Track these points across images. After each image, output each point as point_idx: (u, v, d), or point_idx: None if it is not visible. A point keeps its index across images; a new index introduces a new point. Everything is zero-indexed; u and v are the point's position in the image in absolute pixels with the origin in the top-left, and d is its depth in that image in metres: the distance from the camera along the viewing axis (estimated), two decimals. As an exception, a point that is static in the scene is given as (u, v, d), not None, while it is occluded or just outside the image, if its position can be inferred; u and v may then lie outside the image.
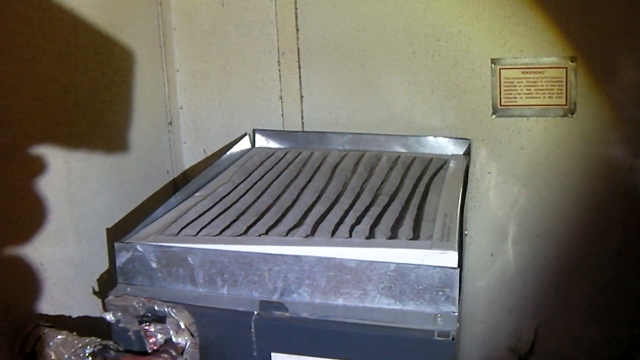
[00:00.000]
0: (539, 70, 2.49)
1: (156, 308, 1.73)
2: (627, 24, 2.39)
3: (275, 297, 1.73)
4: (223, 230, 1.89)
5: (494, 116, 2.56)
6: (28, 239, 1.92)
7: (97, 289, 2.19)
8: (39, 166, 1.95)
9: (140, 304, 1.74)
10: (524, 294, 2.72)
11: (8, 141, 1.85)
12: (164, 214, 2.03)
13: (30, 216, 1.94)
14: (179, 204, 2.11)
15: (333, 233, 1.84)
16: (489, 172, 2.61)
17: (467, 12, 2.50)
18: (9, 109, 1.86)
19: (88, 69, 2.22)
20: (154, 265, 1.80)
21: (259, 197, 2.13)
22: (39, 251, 1.96)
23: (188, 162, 2.86)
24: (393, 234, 1.82)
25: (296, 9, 2.63)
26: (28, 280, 1.92)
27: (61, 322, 1.99)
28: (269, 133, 2.68)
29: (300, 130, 2.73)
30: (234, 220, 1.95)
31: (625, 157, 2.48)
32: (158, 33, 2.65)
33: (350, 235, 1.82)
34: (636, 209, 2.49)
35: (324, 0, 2.60)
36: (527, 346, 2.76)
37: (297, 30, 2.65)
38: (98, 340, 1.75)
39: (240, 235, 1.86)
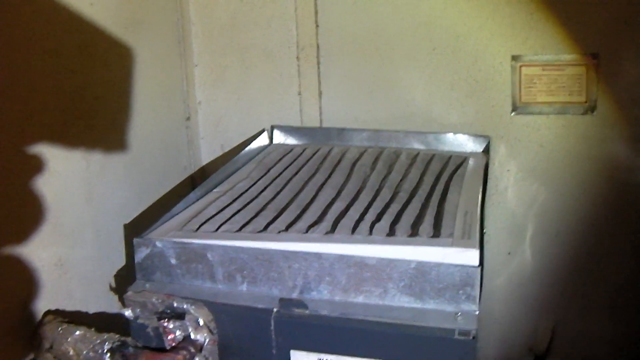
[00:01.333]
0: (560, 67, 2.47)
1: (175, 304, 1.72)
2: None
3: (295, 295, 1.73)
4: (242, 226, 1.88)
5: (513, 113, 2.54)
6: (46, 235, 1.91)
7: (114, 285, 2.19)
8: (58, 160, 1.95)
9: (159, 300, 1.73)
10: (542, 293, 2.71)
11: (28, 135, 1.85)
12: (183, 210, 2.03)
13: (48, 211, 1.93)
14: (198, 199, 2.10)
15: (353, 230, 1.83)
16: (508, 170, 2.60)
17: (488, 8, 2.48)
18: (29, 102, 1.86)
19: (107, 63, 2.21)
20: (173, 261, 1.79)
21: (278, 193, 2.12)
22: (57, 247, 1.96)
23: (206, 157, 2.86)
24: (414, 232, 1.81)
25: (316, 4, 2.62)
26: (46, 276, 1.92)
27: (79, 318, 2.00)
28: (287, 129, 2.68)
29: (319, 126, 2.72)
30: (254, 217, 1.94)
31: (645, 156, 2.47)
32: (177, 27, 2.64)
33: (371, 233, 1.81)
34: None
35: (344, -5, 2.60)
36: (544, 345, 2.74)
37: (317, 25, 2.64)
38: (116, 336, 1.75)
39: (260, 231, 1.85)
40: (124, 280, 2.14)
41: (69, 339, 1.74)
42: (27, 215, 1.86)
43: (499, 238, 2.67)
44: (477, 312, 1.64)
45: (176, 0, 2.63)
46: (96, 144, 2.14)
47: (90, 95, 2.12)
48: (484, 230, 2.25)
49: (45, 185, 1.91)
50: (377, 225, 1.84)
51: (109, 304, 2.14)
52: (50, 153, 1.92)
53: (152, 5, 2.46)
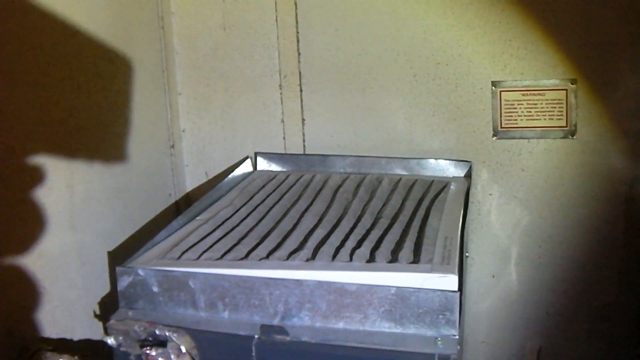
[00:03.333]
0: (540, 92, 2.51)
1: (157, 332, 1.73)
2: (626, 46, 2.40)
3: (276, 321, 1.73)
4: (224, 254, 1.89)
5: (494, 138, 2.57)
6: (31, 262, 1.92)
7: (98, 312, 2.19)
8: (41, 190, 1.96)
9: (142, 328, 1.74)
10: (527, 316, 2.72)
11: (12, 165, 1.87)
12: (165, 238, 2.04)
13: (33, 239, 1.94)
14: (181, 227, 2.12)
15: (334, 257, 1.84)
16: (490, 194, 2.62)
17: (467, 36, 2.52)
18: (12, 132, 1.87)
19: (91, 93, 2.23)
20: (155, 289, 1.80)
21: (260, 220, 2.13)
22: (42, 274, 1.97)
23: (190, 185, 2.87)
24: (393, 258, 1.83)
25: (298, 32, 2.65)
26: (31, 303, 1.93)
27: (63, 345, 2.00)
28: (270, 156, 2.69)
29: (302, 153, 2.74)
30: (235, 244, 1.95)
31: (625, 178, 2.50)
32: (160, 57, 2.66)
33: (351, 259, 1.82)
34: (636, 228, 2.50)
35: (325, 24, 2.62)
36: (530, 368, 2.76)
37: (299, 53, 2.67)
38: (99, 364, 1.76)
39: (242, 259, 1.86)
40: (108, 307, 2.15)
41: (53, 368, 1.75)
42: (12, 242, 1.87)
43: (483, 261, 2.69)
44: (456, 337, 1.65)
45: (159, 30, 2.65)
46: (80, 173, 2.15)
47: (74, 125, 2.13)
48: (466, 255, 2.27)
49: (29, 214, 1.92)
50: (357, 252, 1.85)
51: (93, 330, 2.15)
52: (34, 182, 1.93)
53: (135, 35, 2.48)
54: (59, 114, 2.07)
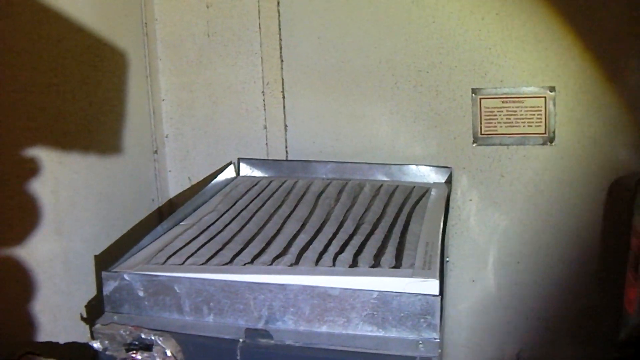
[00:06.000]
0: (519, 99, 2.54)
1: (143, 336, 1.74)
2: (604, 55, 2.44)
3: (260, 325, 1.76)
4: (209, 259, 1.91)
5: (474, 145, 2.60)
6: (17, 267, 1.94)
7: (85, 316, 2.20)
8: (27, 196, 1.98)
9: (127, 332, 1.76)
10: (506, 319, 2.75)
11: (-1, 171, 1.89)
12: (150, 243, 2.05)
13: (19, 244, 1.96)
14: (165, 232, 2.13)
15: (317, 262, 1.87)
16: (470, 200, 2.66)
17: (448, 44, 2.55)
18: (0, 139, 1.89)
19: (76, 99, 2.25)
20: (140, 293, 1.82)
21: (244, 226, 2.16)
22: (28, 278, 1.98)
23: (173, 190, 2.89)
24: (376, 263, 1.85)
25: (280, 40, 2.68)
26: (16, 308, 1.94)
27: (49, 349, 2.02)
28: (253, 162, 2.71)
29: (285, 159, 2.76)
30: (220, 249, 1.97)
31: (602, 184, 2.54)
32: (144, 63, 2.68)
33: (334, 264, 1.85)
34: (615, 233, 2.53)
35: (308, 32, 2.65)
36: (509, 371, 2.79)
37: (282, 60, 2.69)
38: (85, 368, 1.77)
39: (226, 264, 1.88)
40: (94, 311, 2.16)
41: (39, 372, 1.77)
42: (-3, 249, 1.89)
43: (463, 266, 2.72)
44: (438, 340, 1.68)
45: (143, 37, 2.66)
46: (66, 178, 2.16)
47: (60, 130, 2.15)
48: (447, 259, 2.30)
49: (15, 219, 1.93)
50: (340, 257, 1.88)
51: (79, 334, 2.16)
52: (21, 188, 1.95)
53: (119, 42, 2.49)
54: (45, 120, 2.08)
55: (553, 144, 2.54)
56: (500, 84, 2.54)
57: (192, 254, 1.94)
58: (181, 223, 2.20)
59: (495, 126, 2.58)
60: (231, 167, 2.67)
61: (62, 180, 2.14)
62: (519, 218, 2.64)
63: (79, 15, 2.24)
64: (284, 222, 2.18)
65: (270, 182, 2.57)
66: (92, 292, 2.26)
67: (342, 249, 1.94)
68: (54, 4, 2.11)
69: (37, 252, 2.02)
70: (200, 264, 1.89)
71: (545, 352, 2.75)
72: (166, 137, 2.84)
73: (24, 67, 1.99)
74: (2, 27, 1.91)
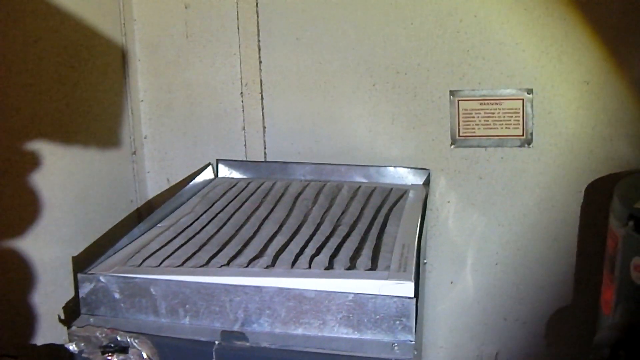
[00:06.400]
0: (497, 101, 2.55)
1: (119, 338, 1.75)
2: (581, 57, 2.45)
3: (236, 327, 1.76)
4: (185, 261, 1.91)
5: (452, 146, 2.61)
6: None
7: (62, 317, 2.20)
8: (3, 197, 1.97)
9: (103, 335, 1.75)
10: (484, 321, 2.77)
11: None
12: (127, 245, 2.05)
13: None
14: (142, 234, 2.13)
15: (293, 264, 1.87)
16: (448, 202, 2.66)
17: (426, 45, 2.55)
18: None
19: (52, 100, 2.24)
20: (117, 296, 1.82)
21: (221, 227, 2.16)
22: (3, 280, 1.97)
23: (152, 191, 2.88)
24: (352, 265, 1.86)
25: (259, 41, 2.67)
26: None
27: (26, 351, 2.01)
28: (232, 163, 2.72)
29: (263, 160, 2.76)
30: (196, 251, 1.97)
31: (579, 186, 2.55)
32: (122, 63, 2.67)
33: (310, 266, 1.85)
34: (591, 235, 2.55)
35: (287, 33, 2.65)
36: (487, 372, 2.80)
37: (260, 62, 2.69)
38: (61, 370, 1.77)
39: (202, 266, 1.88)
40: (72, 312, 2.15)
41: (14, 375, 1.76)
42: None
43: (441, 268, 2.73)
44: (413, 342, 1.69)
45: (122, 37, 2.65)
46: (42, 180, 2.15)
47: (36, 132, 2.14)
48: (424, 261, 2.31)
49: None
50: (316, 259, 1.88)
51: (56, 336, 2.15)
52: (-5, 190, 1.94)
53: (97, 42, 2.48)
54: (20, 121, 2.07)
55: (530, 146, 2.55)
56: (478, 85, 2.55)
57: (169, 256, 1.94)
58: (158, 225, 2.20)
59: (474, 128, 2.58)
60: (209, 168, 2.67)
61: (38, 182, 2.13)
62: (497, 219, 2.65)
63: (56, 16, 2.24)
64: (261, 224, 2.18)
65: (249, 183, 2.57)
66: (70, 294, 2.25)
67: (318, 251, 1.95)
68: (30, 4, 2.10)
69: (14, 254, 2.02)
70: (177, 266, 1.89)
71: (523, 353, 2.77)
72: (145, 138, 2.83)
73: (-1, 68, 1.99)
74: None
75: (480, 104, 2.56)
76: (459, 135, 2.60)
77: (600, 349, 2.22)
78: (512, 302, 2.73)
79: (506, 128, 2.56)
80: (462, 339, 2.82)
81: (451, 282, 2.74)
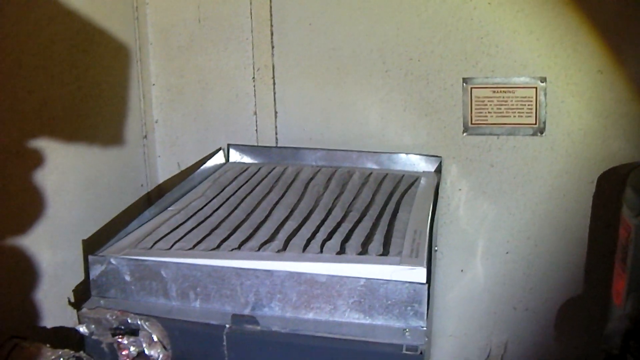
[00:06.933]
0: (510, 89, 2.54)
1: (129, 321, 1.74)
2: (595, 47, 2.44)
3: (247, 311, 1.76)
4: (196, 244, 1.91)
5: (465, 134, 2.60)
6: (2, 252, 1.93)
7: (72, 300, 2.20)
8: (14, 179, 1.97)
9: (114, 317, 1.75)
10: (494, 310, 2.76)
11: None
12: (137, 228, 2.05)
13: (5, 228, 1.95)
14: (153, 217, 2.13)
15: (304, 248, 1.87)
16: (460, 189, 2.66)
17: (439, 33, 2.54)
18: (-15, 123, 1.88)
19: (64, 83, 2.23)
20: (127, 278, 1.82)
21: (232, 211, 2.15)
22: (14, 263, 1.97)
23: (162, 176, 2.88)
24: (363, 250, 1.85)
25: (272, 26, 2.66)
26: (2, 292, 1.93)
27: (35, 333, 2.01)
28: (243, 148, 2.71)
29: (274, 145, 2.76)
30: (207, 235, 1.97)
31: (591, 176, 2.54)
32: (135, 47, 2.66)
33: (322, 251, 1.85)
34: (602, 225, 2.54)
35: (300, 19, 2.64)
36: (497, 360, 2.80)
37: (272, 47, 2.68)
38: (71, 352, 1.76)
39: (213, 249, 1.88)
40: (82, 295, 2.15)
41: (25, 356, 1.76)
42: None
43: (451, 255, 2.72)
44: (424, 328, 1.68)
45: (134, 21, 2.65)
46: (53, 163, 2.15)
47: (48, 115, 2.13)
48: (435, 248, 2.30)
49: (1, 203, 1.92)
50: (327, 244, 1.88)
51: (66, 319, 2.15)
52: (7, 171, 1.93)
53: (109, 26, 2.47)
54: (32, 104, 2.07)
55: (543, 134, 2.54)
56: (492, 73, 2.54)
57: (180, 239, 1.94)
58: (169, 208, 2.20)
59: (486, 116, 2.57)
60: (220, 153, 2.66)
61: (49, 165, 2.13)
62: (508, 208, 2.65)
63: (69, -2, 2.23)
64: (272, 209, 2.18)
65: (260, 168, 2.56)
66: (80, 277, 2.25)
67: (329, 236, 1.94)
68: (43, -14, 2.09)
69: (25, 237, 2.01)
70: (188, 249, 1.88)
71: (532, 343, 2.76)
72: (156, 122, 2.83)
73: (11, 50, 1.97)
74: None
75: (493, 91, 2.55)
76: (472, 123, 2.59)
77: (611, 339, 2.22)
78: (522, 291, 2.72)
79: (519, 116, 2.55)
80: (471, 327, 2.81)
81: (461, 270, 2.74)
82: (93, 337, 1.77)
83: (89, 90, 2.36)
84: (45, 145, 2.12)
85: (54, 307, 2.15)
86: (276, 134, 2.76)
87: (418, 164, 2.59)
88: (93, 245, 2.24)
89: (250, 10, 2.67)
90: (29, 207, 2.04)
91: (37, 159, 2.08)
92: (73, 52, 2.26)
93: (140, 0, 2.68)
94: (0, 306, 1.94)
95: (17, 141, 2.00)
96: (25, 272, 2.02)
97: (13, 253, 1.97)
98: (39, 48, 2.10)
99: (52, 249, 2.15)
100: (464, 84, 2.56)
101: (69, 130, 2.25)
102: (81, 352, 1.77)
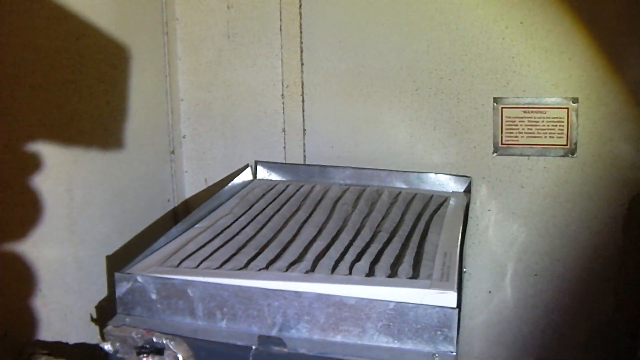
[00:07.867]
0: (541, 110, 2.51)
1: (154, 340, 1.73)
2: (628, 67, 2.41)
3: (273, 332, 1.73)
4: (223, 263, 1.89)
5: (495, 154, 2.57)
6: (28, 265, 1.92)
7: (95, 316, 2.19)
8: (42, 194, 1.96)
9: (139, 335, 1.74)
10: (521, 332, 2.72)
11: (13, 167, 1.87)
12: (164, 245, 2.03)
13: (31, 242, 1.94)
14: (180, 235, 2.11)
15: (333, 269, 1.84)
16: (489, 210, 2.63)
17: (470, 51, 2.52)
18: (14, 134, 1.88)
19: (93, 97, 2.23)
20: (153, 296, 1.80)
21: (259, 230, 2.13)
22: (39, 277, 1.97)
23: (189, 191, 2.88)
24: (393, 272, 1.83)
25: (301, 42, 2.66)
26: (27, 306, 1.93)
27: (58, 349, 2.00)
28: (270, 165, 2.70)
29: (302, 163, 2.74)
30: (234, 254, 1.95)
31: (622, 199, 2.51)
32: (163, 62, 2.67)
33: (350, 273, 1.82)
34: (634, 248, 2.51)
35: (329, 35, 2.63)
36: (524, 385, 2.77)
37: (302, 64, 2.67)
38: (96, 370, 1.75)
39: (241, 269, 1.86)
40: (105, 312, 2.15)
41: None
42: (10, 245, 1.87)
43: (480, 277, 2.69)
44: (454, 353, 1.65)
45: (163, 36, 2.65)
46: (80, 177, 2.15)
47: (75, 129, 2.14)
48: (464, 270, 2.28)
49: (28, 216, 1.92)
50: (356, 265, 1.85)
51: (89, 335, 2.15)
52: (35, 186, 1.93)
53: (138, 41, 2.48)
54: (61, 118, 2.07)
55: (574, 156, 2.51)
56: (523, 93, 2.51)
57: (207, 258, 1.92)
58: (196, 225, 2.18)
59: (517, 136, 2.55)
60: (248, 169, 2.65)
61: (76, 179, 2.13)
62: (537, 230, 2.61)
63: (99, 13, 2.23)
64: (300, 228, 2.16)
65: (287, 186, 2.55)
66: (103, 293, 2.25)
67: (358, 257, 1.92)
68: (73, 1, 2.09)
69: (49, 251, 2.01)
70: (215, 268, 1.86)
71: (560, 367, 2.73)
72: (183, 137, 2.82)
73: (41, 64, 1.98)
74: (21, 23, 1.90)
75: (524, 112, 2.52)
76: (502, 143, 2.56)
77: (641, 366, 2.19)
78: (551, 313, 2.68)
79: (550, 137, 2.52)
80: (498, 350, 2.78)
81: (489, 292, 2.71)
82: (118, 355, 1.75)
83: (117, 104, 2.36)
84: (73, 159, 2.12)
85: (77, 323, 2.15)
86: (304, 151, 2.74)
87: (447, 183, 2.56)
88: (117, 261, 2.24)
89: (280, 26, 2.67)
90: (54, 221, 2.03)
91: (64, 174, 2.07)
92: (102, 66, 2.27)
93: (170, 15, 2.68)
94: (25, 321, 1.93)
95: (44, 156, 1.99)
96: (50, 287, 2.02)
97: (38, 268, 1.97)
98: (68, 62, 2.10)
99: (77, 264, 2.15)
100: (495, 104, 2.54)
101: (97, 144, 2.25)
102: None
